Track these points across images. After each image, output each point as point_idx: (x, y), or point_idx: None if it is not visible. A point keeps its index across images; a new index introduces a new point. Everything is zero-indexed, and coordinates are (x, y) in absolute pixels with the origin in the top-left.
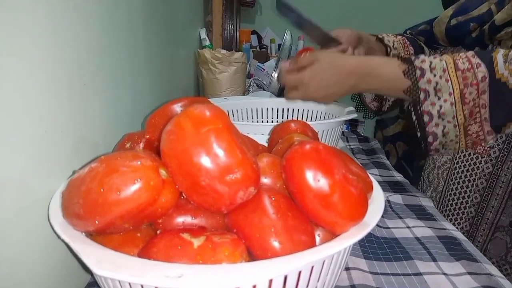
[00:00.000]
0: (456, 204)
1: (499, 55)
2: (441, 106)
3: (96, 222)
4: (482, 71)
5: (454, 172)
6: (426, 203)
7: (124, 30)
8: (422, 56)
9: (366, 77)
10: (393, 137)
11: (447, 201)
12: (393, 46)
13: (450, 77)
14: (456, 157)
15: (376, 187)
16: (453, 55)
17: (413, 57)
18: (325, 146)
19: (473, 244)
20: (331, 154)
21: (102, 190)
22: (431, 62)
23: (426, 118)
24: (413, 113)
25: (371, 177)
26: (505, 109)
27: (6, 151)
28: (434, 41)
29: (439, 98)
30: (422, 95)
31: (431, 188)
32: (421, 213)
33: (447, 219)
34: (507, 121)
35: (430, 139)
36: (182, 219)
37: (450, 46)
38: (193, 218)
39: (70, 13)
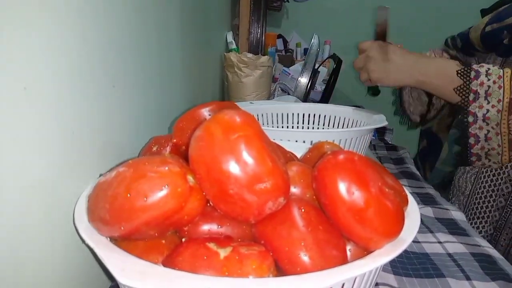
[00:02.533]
0: (482, 208)
1: None
2: (487, 110)
3: (122, 228)
4: None
5: (481, 177)
6: (458, 217)
7: (154, 30)
8: (483, 63)
9: (424, 65)
10: (422, 131)
11: (472, 204)
12: None
13: (503, 85)
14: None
15: (412, 201)
16: None
17: (473, 64)
18: (360, 157)
19: (495, 248)
20: (366, 165)
21: (129, 195)
22: (488, 68)
23: (470, 119)
24: (460, 114)
25: (407, 191)
26: None
27: (35, 152)
28: (471, 46)
29: (488, 102)
30: (471, 96)
31: (460, 192)
32: (453, 228)
33: (471, 222)
34: None
35: (471, 140)
36: (208, 227)
37: (486, 52)
38: (219, 226)
39: (101, 14)
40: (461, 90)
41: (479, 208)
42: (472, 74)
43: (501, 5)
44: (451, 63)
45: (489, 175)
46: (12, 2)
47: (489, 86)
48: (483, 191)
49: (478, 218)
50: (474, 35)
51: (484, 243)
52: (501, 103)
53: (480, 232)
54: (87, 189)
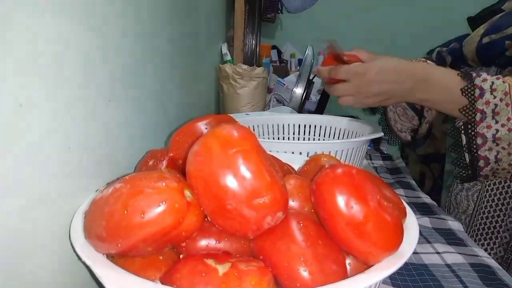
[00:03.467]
0: (489, 228)
1: None
2: (497, 130)
3: (119, 245)
4: None
5: (485, 195)
6: (456, 226)
7: (149, 45)
8: (484, 75)
9: (423, 83)
10: (425, 157)
11: (478, 224)
12: None
13: (511, 102)
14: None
15: (410, 214)
16: None
17: (474, 73)
18: (358, 170)
19: (508, 271)
20: (364, 179)
21: (126, 212)
22: (492, 83)
23: (479, 140)
24: (463, 133)
25: (405, 203)
26: None
27: (31, 169)
28: (462, 61)
29: (496, 122)
30: (478, 116)
31: (460, 210)
32: (450, 238)
33: (478, 243)
34: None
35: (481, 163)
36: (206, 243)
37: (480, 66)
38: (217, 242)
39: (96, 29)
40: (467, 111)
41: (486, 228)
42: (477, 92)
43: (490, 13)
44: (453, 78)
45: (495, 193)
46: (7, 19)
47: (496, 105)
48: (489, 210)
49: (485, 239)
50: (468, 48)
51: (482, 253)
52: (511, 121)
53: (489, 254)
54: (83, 205)
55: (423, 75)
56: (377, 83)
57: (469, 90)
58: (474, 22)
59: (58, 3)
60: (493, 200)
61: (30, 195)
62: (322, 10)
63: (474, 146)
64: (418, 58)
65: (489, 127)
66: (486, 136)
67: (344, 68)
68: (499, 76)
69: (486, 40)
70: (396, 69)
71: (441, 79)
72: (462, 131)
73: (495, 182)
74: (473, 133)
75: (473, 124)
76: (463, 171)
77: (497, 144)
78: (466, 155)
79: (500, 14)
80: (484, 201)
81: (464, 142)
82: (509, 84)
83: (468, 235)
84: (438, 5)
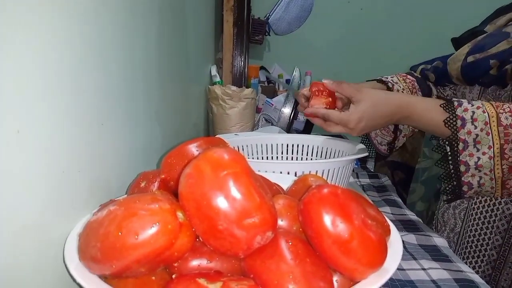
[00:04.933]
0: (476, 246)
1: None
2: (479, 158)
3: (113, 266)
4: None
5: (472, 213)
6: (441, 243)
7: (140, 69)
8: (465, 104)
9: (407, 119)
10: (392, 163)
11: (465, 242)
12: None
13: (491, 131)
14: (473, 197)
15: (394, 231)
16: (497, 107)
17: (456, 102)
18: (343, 190)
19: None
20: (349, 199)
21: (120, 233)
22: (473, 113)
23: (462, 168)
24: (450, 162)
25: (389, 221)
26: None
27: (26, 193)
28: (446, 79)
29: (477, 150)
30: (461, 146)
31: (447, 228)
32: (436, 254)
33: (466, 261)
34: None
35: (465, 188)
36: (198, 262)
37: (465, 85)
38: (209, 261)
39: (89, 55)
40: (450, 141)
41: (473, 246)
42: (459, 123)
43: (472, 34)
44: (436, 111)
45: (482, 211)
46: (4, 46)
47: (477, 134)
48: (476, 228)
49: (473, 257)
50: (452, 67)
51: (466, 268)
52: (492, 149)
53: (477, 272)
54: (76, 227)
55: (407, 112)
56: (364, 129)
57: (451, 121)
58: (457, 42)
59: (50, 32)
60: (479, 219)
61: (24, 219)
62: (309, 32)
63: (458, 174)
64: (400, 73)
65: (471, 155)
66: (468, 164)
67: (335, 117)
68: (479, 105)
69: (470, 59)
70: (382, 114)
71: (424, 114)
72: (450, 161)
73: (480, 201)
74: (457, 161)
75: (456, 153)
76: (448, 191)
77: (479, 171)
78: (454, 182)
79: (484, 35)
80: (471, 219)
81: (451, 169)
82: (488, 114)
83: (457, 253)
84: (424, 25)
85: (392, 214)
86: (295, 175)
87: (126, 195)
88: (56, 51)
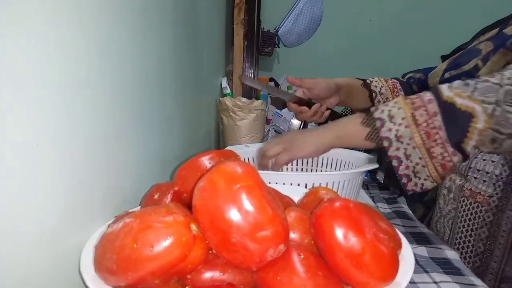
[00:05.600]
0: (462, 253)
1: (443, 85)
2: (397, 130)
3: (128, 277)
4: (427, 95)
5: (457, 221)
6: (452, 256)
7: (154, 82)
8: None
9: (338, 139)
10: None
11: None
12: (379, 91)
13: (401, 106)
14: (459, 206)
15: (405, 245)
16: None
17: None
18: (355, 203)
19: None
20: (361, 212)
21: (135, 245)
22: (386, 103)
23: (386, 143)
24: (376, 145)
25: (400, 234)
26: (458, 127)
27: (44, 203)
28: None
29: (394, 124)
30: (378, 123)
31: (439, 237)
32: (447, 267)
33: None
34: (463, 138)
35: (394, 163)
36: (211, 275)
37: None
38: (222, 273)
39: (105, 73)
40: (367, 122)
41: (459, 254)
42: (372, 109)
43: (458, 50)
44: (354, 119)
45: (465, 219)
46: (23, 60)
47: (389, 110)
48: (461, 236)
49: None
50: (432, 81)
51: (478, 282)
52: (405, 119)
53: None
54: (92, 238)
55: (336, 133)
56: (305, 145)
57: (367, 120)
58: (446, 59)
59: (63, 43)
60: (464, 226)
61: (42, 228)
62: (317, 44)
63: (384, 150)
64: (391, 78)
65: (390, 129)
66: (389, 138)
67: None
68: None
69: (447, 75)
70: (312, 133)
71: (348, 126)
72: (373, 142)
73: (464, 209)
74: (378, 138)
75: (376, 132)
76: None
77: (402, 142)
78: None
79: (461, 52)
80: (456, 227)
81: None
82: (398, 98)
83: None
84: (432, 37)
85: (403, 226)
86: (306, 186)
87: (140, 207)
88: (73, 67)
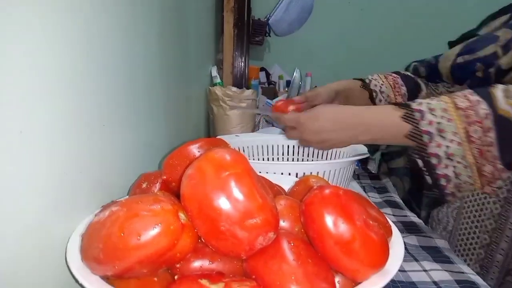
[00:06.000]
0: (466, 244)
1: (498, 91)
2: (447, 147)
3: (116, 267)
4: (483, 108)
5: (463, 212)
6: (442, 244)
7: (140, 71)
8: (418, 100)
9: (362, 126)
10: (399, 170)
11: (456, 241)
12: (380, 90)
13: (452, 117)
14: (465, 196)
15: (395, 232)
16: (450, 95)
17: (409, 102)
18: (344, 191)
19: None
20: (351, 199)
21: (122, 234)
22: (429, 103)
23: (434, 160)
24: (418, 158)
25: (390, 222)
26: None
27: (29, 194)
28: (437, 76)
29: (444, 138)
30: (426, 138)
31: (441, 226)
32: (437, 255)
33: None
34: None
35: (442, 181)
36: (200, 264)
37: (454, 84)
38: (211, 262)
39: (91, 58)
40: (413, 135)
41: (463, 245)
42: (417, 115)
43: (467, 37)
44: (389, 110)
45: (471, 210)
46: (5, 48)
47: (438, 123)
48: (466, 227)
49: (462, 255)
50: (443, 65)
51: (467, 269)
52: (457, 135)
53: None
54: (78, 228)
55: (361, 119)
56: (316, 133)
57: (409, 115)
58: (454, 45)
59: (51, 33)
60: (469, 217)
61: (27, 219)
62: (309, 33)
63: (432, 168)
64: (391, 73)
65: (439, 145)
66: (439, 155)
67: (288, 116)
68: (432, 97)
69: (460, 60)
70: (332, 119)
71: (379, 116)
72: (417, 157)
73: (471, 199)
74: (426, 155)
75: (423, 147)
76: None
77: (452, 160)
78: (428, 178)
79: (475, 38)
80: (461, 218)
81: (421, 165)
82: (444, 101)
83: None
84: (424, 26)
85: (393, 215)
86: (296, 176)
87: (128, 196)
88: (57, 53)
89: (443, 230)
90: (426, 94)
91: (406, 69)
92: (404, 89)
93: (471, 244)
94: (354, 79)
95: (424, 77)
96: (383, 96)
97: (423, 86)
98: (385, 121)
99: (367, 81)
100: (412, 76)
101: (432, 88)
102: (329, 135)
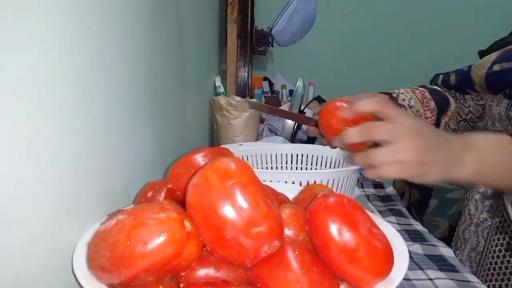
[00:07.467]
0: (500, 268)
1: None
2: None
3: (122, 275)
4: None
5: (497, 232)
6: (447, 253)
7: (145, 80)
8: None
9: (469, 146)
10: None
11: (489, 264)
12: (408, 104)
13: None
14: (496, 215)
15: (400, 241)
16: None
17: None
18: (349, 199)
19: None
20: (355, 208)
21: (128, 243)
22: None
23: None
24: None
25: (394, 230)
26: None
27: (36, 202)
28: (468, 84)
29: None
30: None
31: (468, 246)
32: (442, 264)
33: (489, 284)
34: None
35: None
36: (205, 272)
37: (487, 93)
38: (216, 271)
39: (96, 69)
40: None
41: (497, 269)
42: None
43: (501, 46)
44: (503, 137)
45: (507, 231)
46: (12, 54)
47: None
48: (500, 249)
49: (497, 280)
50: (477, 73)
51: (473, 278)
52: None
53: None
54: (85, 236)
55: (463, 137)
56: (420, 151)
57: None
58: (485, 55)
59: (57, 43)
60: (504, 239)
61: (34, 227)
62: (311, 43)
63: None
64: (418, 87)
65: None
66: None
67: (384, 126)
68: None
69: (496, 68)
70: (434, 130)
71: (489, 139)
72: None
73: (506, 219)
74: None
75: None
76: None
77: None
78: None
79: None
80: (494, 239)
81: None
82: None
83: (479, 274)
84: (425, 36)
85: (397, 224)
86: (300, 184)
87: (133, 205)
88: (66, 65)
89: (472, 250)
90: (455, 109)
91: (431, 83)
92: (433, 104)
93: (506, 268)
94: (380, 92)
95: (454, 86)
96: (412, 111)
97: (451, 100)
98: (502, 147)
99: (394, 95)
100: (439, 89)
101: (461, 101)
102: (435, 143)
